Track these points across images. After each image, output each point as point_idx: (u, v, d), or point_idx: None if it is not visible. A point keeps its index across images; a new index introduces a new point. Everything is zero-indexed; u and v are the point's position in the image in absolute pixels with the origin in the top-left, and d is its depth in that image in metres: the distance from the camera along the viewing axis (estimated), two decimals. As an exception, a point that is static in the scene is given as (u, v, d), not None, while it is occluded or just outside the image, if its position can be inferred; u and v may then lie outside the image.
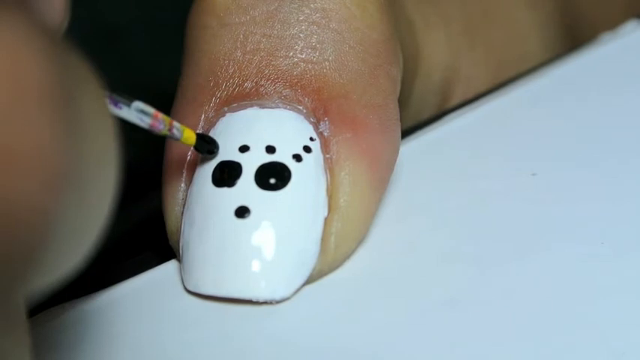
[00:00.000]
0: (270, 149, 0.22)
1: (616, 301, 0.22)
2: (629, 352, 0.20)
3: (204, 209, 0.22)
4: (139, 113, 0.20)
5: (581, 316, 0.21)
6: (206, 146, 0.22)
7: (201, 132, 0.23)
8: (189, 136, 0.22)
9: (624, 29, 0.32)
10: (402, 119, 0.24)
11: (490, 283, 0.22)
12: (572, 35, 0.36)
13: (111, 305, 0.22)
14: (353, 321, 0.22)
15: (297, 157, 0.22)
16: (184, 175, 0.23)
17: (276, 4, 0.23)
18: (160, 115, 0.21)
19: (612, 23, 0.32)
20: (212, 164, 0.22)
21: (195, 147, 0.22)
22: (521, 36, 0.34)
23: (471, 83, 0.33)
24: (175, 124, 0.21)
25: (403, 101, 0.25)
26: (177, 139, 0.22)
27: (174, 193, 0.23)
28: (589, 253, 0.23)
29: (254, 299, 0.22)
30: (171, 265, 0.23)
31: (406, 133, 0.27)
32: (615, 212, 0.24)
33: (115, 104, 0.20)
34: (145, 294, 0.22)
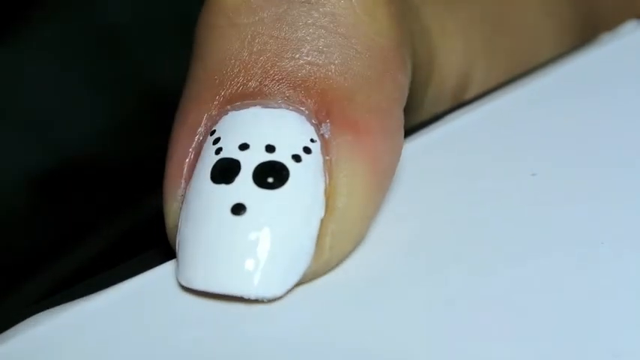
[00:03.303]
0: (270, 148, 0.22)
1: (616, 301, 0.22)
2: (629, 352, 0.20)
3: (200, 205, 0.22)
4: None
5: (581, 316, 0.21)
6: None
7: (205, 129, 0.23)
8: None
9: (624, 29, 0.32)
10: (414, 123, 0.24)
11: (490, 283, 0.22)
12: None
13: (110, 305, 0.22)
14: (351, 321, 0.22)
15: (297, 158, 0.22)
16: (185, 172, 0.23)
17: (285, 7, 0.23)
18: None
19: None
20: (212, 161, 0.23)
21: None
22: (538, 44, 0.34)
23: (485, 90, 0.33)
24: None
25: (415, 107, 0.25)
26: None
27: (174, 189, 0.23)
28: (589, 253, 0.23)
29: (245, 296, 0.22)
30: (171, 265, 0.23)
31: (406, 133, 0.27)
32: (615, 212, 0.24)
33: None
34: (145, 294, 0.22)
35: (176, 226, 0.23)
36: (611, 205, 0.25)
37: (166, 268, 0.23)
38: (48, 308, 0.22)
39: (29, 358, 0.21)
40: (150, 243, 0.24)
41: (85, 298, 0.22)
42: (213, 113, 0.23)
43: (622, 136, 0.27)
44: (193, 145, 0.23)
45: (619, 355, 0.20)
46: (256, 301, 0.22)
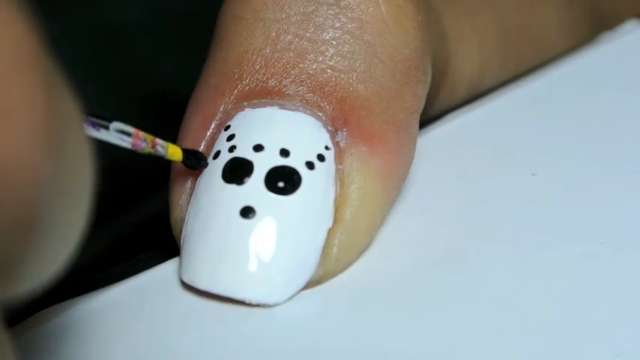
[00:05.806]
0: (284, 152, 0.22)
1: (616, 300, 0.22)
2: (629, 351, 0.20)
3: (210, 203, 0.22)
4: (119, 134, 0.20)
5: (581, 315, 0.21)
6: (195, 161, 0.22)
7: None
8: (175, 152, 0.22)
9: (624, 29, 0.32)
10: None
11: (490, 283, 0.22)
12: None
13: (111, 304, 0.22)
14: (351, 321, 0.22)
15: (310, 165, 0.22)
16: None
17: (314, 7, 0.23)
18: (141, 134, 0.20)
19: None
20: (224, 158, 0.22)
21: (183, 162, 0.22)
22: (548, 56, 0.34)
23: None
24: (159, 141, 0.21)
25: (424, 113, 0.25)
26: (162, 156, 0.21)
27: (182, 181, 0.23)
28: (589, 253, 0.23)
29: (247, 301, 0.22)
30: (171, 265, 0.23)
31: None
32: (615, 212, 0.24)
33: (94, 127, 0.19)
34: (145, 294, 0.22)
35: (182, 219, 0.23)
36: (611, 205, 0.25)
37: (166, 268, 0.23)
38: (47, 307, 0.22)
39: (31, 356, 0.21)
40: (150, 243, 0.24)
41: (85, 296, 0.22)
42: (229, 107, 0.23)
43: (622, 135, 0.27)
44: (206, 138, 0.23)
45: (619, 355, 0.20)
46: (257, 305, 0.22)
